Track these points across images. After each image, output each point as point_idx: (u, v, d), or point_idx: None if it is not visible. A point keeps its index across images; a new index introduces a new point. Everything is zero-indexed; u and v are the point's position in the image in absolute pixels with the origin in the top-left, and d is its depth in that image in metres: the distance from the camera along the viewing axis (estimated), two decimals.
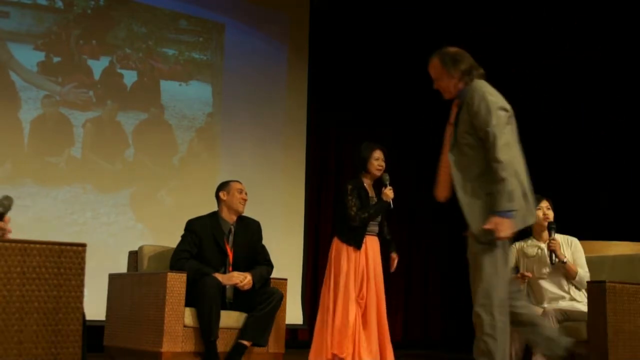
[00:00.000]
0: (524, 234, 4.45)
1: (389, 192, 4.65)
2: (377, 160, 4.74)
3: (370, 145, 4.80)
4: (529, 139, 7.44)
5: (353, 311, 4.53)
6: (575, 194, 7.07)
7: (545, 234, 4.30)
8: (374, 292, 4.63)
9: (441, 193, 3.32)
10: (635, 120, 6.87)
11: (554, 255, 4.17)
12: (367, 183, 4.77)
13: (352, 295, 4.55)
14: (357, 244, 4.63)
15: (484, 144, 3.07)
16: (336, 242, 4.70)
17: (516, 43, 7.47)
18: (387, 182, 4.70)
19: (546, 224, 4.29)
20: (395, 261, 4.81)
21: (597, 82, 7.11)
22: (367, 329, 4.55)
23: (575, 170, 7.18)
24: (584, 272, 4.19)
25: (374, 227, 4.75)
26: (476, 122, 3.10)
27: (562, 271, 4.20)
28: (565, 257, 4.18)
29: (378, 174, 4.75)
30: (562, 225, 4.55)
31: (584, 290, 4.18)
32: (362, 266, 4.61)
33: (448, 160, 3.20)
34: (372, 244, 4.71)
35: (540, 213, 4.34)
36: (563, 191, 6.96)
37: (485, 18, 7.35)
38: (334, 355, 4.49)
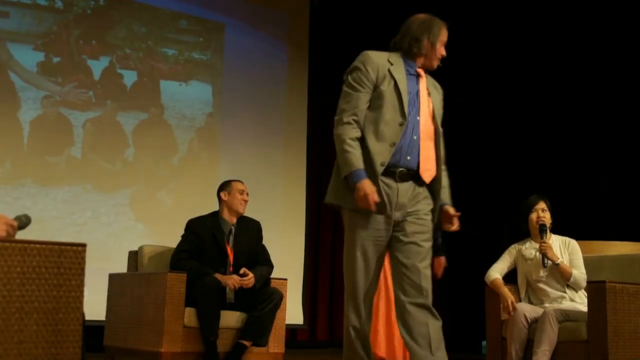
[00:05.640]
0: (522, 236, 4.44)
1: None
2: None
3: None
4: (532, 138, 7.46)
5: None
6: (576, 194, 7.07)
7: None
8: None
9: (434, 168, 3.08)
10: (637, 119, 6.87)
11: (545, 258, 4.15)
12: None
13: None
14: None
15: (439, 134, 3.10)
16: None
17: (520, 40, 7.48)
18: None
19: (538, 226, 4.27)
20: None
21: (602, 81, 7.12)
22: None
23: (575, 170, 7.18)
24: (579, 274, 4.16)
25: None
26: (440, 113, 3.16)
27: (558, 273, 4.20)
28: (558, 258, 4.17)
29: None
30: (562, 225, 4.54)
31: (583, 291, 4.17)
32: None
33: (427, 128, 3.07)
34: None
35: (534, 216, 4.32)
36: (563, 191, 6.96)
37: (486, 16, 7.35)
38: None
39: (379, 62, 3.07)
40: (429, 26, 3.12)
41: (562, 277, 4.16)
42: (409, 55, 3.11)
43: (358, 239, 2.97)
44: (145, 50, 6.57)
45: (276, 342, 4.45)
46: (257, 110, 7.15)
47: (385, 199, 2.93)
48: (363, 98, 3.01)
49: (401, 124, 2.96)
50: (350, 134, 2.95)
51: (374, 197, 2.84)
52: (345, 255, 3.02)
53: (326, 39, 7.68)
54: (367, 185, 2.84)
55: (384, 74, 3.03)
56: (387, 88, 3.00)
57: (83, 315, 2.29)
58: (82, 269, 2.25)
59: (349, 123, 2.97)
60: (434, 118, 3.09)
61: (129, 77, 6.46)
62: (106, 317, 4.58)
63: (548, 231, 4.26)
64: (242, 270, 4.32)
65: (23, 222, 2.40)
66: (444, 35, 3.14)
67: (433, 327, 2.93)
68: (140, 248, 4.65)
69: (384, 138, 2.94)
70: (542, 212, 4.31)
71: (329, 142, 8.59)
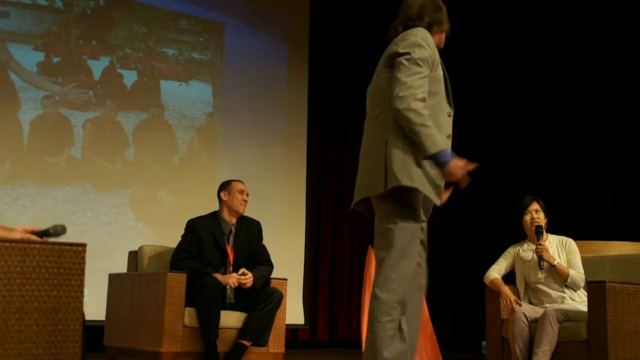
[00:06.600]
0: (520, 237, 4.43)
1: None
2: None
3: None
4: (533, 137, 7.46)
5: None
6: (576, 194, 7.07)
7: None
8: None
9: None
10: (636, 118, 6.87)
11: (542, 261, 4.14)
12: None
13: None
14: None
15: None
16: None
17: (524, 40, 7.48)
18: None
19: (534, 228, 4.25)
20: None
21: (603, 81, 7.11)
22: None
23: (575, 170, 7.18)
24: (575, 274, 4.15)
25: None
26: None
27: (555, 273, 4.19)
28: (555, 259, 4.16)
29: None
30: (562, 225, 4.54)
31: (583, 290, 4.17)
32: None
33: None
34: None
35: (527, 217, 4.30)
36: (563, 191, 6.96)
37: (485, 16, 7.35)
38: None
39: (432, 43, 2.76)
40: (440, 6, 2.87)
41: (559, 277, 4.16)
42: None
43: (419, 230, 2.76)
44: (145, 50, 6.57)
45: (276, 342, 4.45)
46: (257, 110, 7.15)
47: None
48: (427, 80, 2.69)
49: (449, 115, 2.75)
50: (426, 112, 2.64)
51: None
52: (403, 249, 2.81)
53: (326, 39, 7.68)
54: (462, 164, 2.65)
55: (437, 57, 2.76)
56: (441, 73, 2.75)
57: (83, 315, 2.29)
58: (82, 269, 2.25)
59: (422, 101, 2.63)
60: None
61: (129, 77, 6.46)
62: (106, 317, 4.58)
63: (544, 232, 4.24)
64: (241, 271, 4.33)
65: (58, 231, 2.47)
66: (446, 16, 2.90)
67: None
68: (140, 248, 4.66)
69: (442, 128, 2.70)
70: (535, 214, 4.28)
71: (329, 142, 8.62)
